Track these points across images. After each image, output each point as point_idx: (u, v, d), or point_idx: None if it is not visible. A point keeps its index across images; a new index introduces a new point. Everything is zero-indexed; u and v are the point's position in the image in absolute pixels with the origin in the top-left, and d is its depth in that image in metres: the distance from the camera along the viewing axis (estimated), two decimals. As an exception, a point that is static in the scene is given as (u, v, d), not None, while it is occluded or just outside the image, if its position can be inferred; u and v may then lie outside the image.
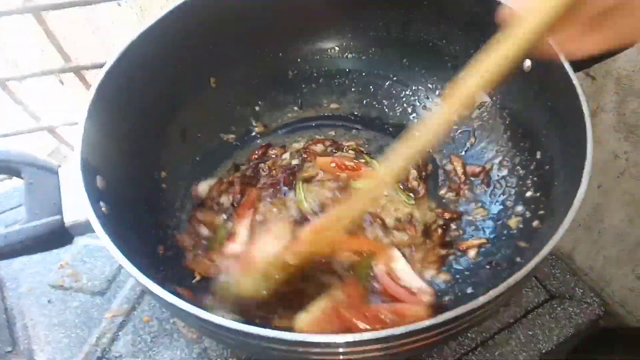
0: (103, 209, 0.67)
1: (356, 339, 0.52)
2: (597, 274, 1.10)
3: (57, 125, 1.34)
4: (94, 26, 1.79)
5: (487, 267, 0.79)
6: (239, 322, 0.53)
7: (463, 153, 0.96)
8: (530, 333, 0.85)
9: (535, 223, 0.77)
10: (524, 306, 0.89)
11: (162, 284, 0.57)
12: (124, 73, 0.79)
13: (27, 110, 1.31)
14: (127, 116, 0.81)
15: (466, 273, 0.81)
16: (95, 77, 0.76)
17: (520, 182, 0.85)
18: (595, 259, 1.09)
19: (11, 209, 1.04)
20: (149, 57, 0.84)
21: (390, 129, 1.04)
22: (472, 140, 0.96)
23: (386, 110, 1.06)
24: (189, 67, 0.93)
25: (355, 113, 1.07)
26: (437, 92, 1.02)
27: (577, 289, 0.92)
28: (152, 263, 0.74)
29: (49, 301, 0.92)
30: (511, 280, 0.56)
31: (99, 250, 0.97)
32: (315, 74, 1.08)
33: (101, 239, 0.60)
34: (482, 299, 0.54)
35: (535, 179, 0.82)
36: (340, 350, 0.54)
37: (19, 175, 0.70)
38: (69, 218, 0.66)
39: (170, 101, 0.93)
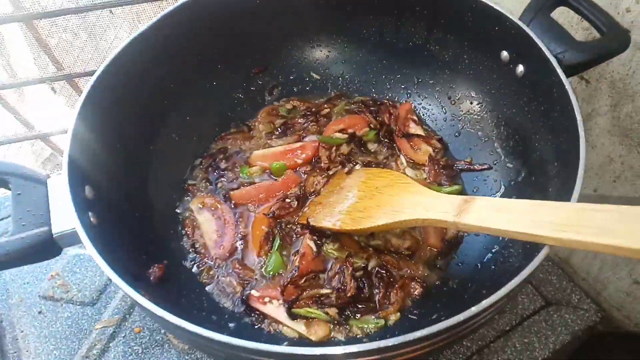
0: (92, 219, 0.66)
1: (347, 351, 0.51)
2: (594, 278, 1.09)
3: (50, 133, 1.33)
4: (87, 34, 1.78)
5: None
6: (226, 335, 0.52)
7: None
8: (526, 340, 0.84)
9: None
10: (520, 313, 0.88)
11: (151, 295, 0.56)
12: (114, 79, 0.79)
13: (20, 118, 1.30)
14: (117, 122, 0.81)
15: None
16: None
17: (514, 188, 0.84)
18: (592, 263, 1.08)
19: (1, 219, 1.03)
20: (139, 63, 0.83)
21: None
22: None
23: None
24: (179, 72, 0.93)
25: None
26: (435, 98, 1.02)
27: (573, 295, 0.91)
28: (141, 273, 0.72)
29: (39, 312, 0.90)
30: (504, 289, 0.55)
31: (89, 260, 0.96)
32: (306, 79, 1.08)
33: (88, 251, 0.59)
34: (474, 309, 0.53)
35: (528, 186, 0.81)
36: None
37: (6, 186, 0.69)
38: (58, 229, 0.65)
39: (161, 105, 0.92)
